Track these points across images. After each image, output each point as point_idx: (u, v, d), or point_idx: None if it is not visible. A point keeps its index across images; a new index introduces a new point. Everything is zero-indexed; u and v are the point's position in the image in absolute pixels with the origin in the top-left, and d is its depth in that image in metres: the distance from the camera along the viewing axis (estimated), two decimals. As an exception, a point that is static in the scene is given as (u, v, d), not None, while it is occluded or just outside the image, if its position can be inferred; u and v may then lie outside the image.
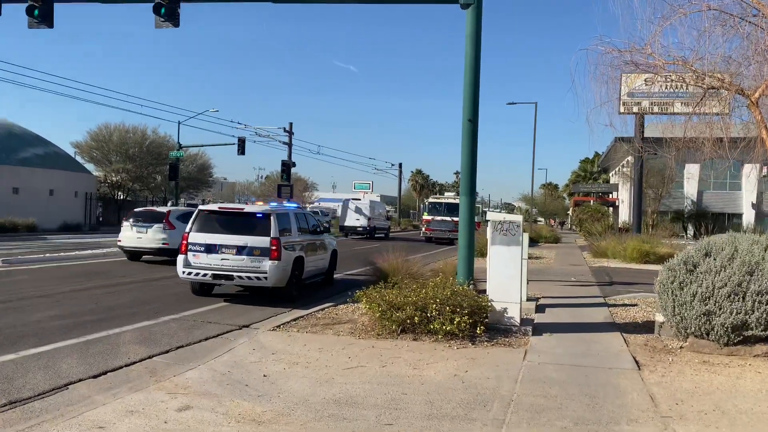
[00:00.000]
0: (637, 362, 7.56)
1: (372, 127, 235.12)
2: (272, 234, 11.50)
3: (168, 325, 9.59)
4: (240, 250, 11.46)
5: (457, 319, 8.30)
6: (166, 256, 18.10)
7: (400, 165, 68.51)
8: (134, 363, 7.29)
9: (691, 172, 44.42)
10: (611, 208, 58.02)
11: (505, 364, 7.30)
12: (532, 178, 46.33)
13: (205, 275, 11.54)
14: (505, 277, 9.03)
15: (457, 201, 41.38)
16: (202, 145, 46.57)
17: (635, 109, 30.14)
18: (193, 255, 11.68)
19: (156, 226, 18.64)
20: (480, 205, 49.05)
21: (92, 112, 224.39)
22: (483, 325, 8.76)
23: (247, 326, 9.80)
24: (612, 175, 65.07)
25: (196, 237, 11.68)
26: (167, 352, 7.93)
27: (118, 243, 19.26)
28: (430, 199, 41.29)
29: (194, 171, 53.38)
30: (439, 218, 36.82)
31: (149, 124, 62.69)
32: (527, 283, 11.91)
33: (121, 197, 49.46)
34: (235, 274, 11.42)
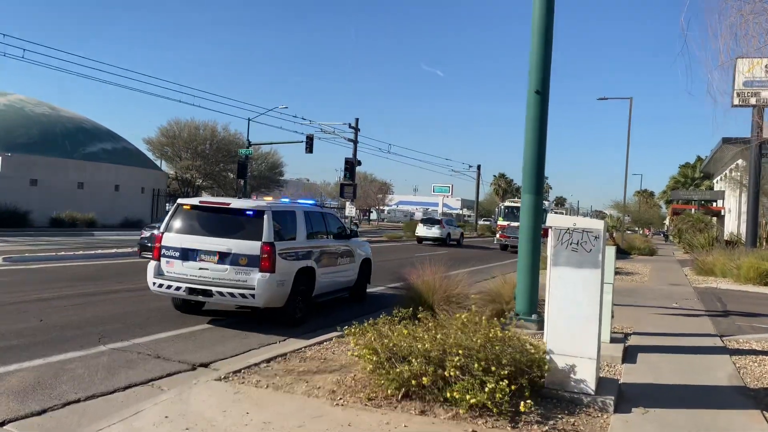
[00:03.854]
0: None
1: (452, 129, 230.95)
2: (264, 237, 8.73)
3: (95, 360, 6.99)
4: (222, 257, 8.77)
5: (490, 384, 5.17)
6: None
7: (479, 167, 64.67)
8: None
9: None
10: (715, 218, 51.79)
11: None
12: (624, 181, 41.69)
13: (178, 288, 8.91)
14: (575, 316, 5.78)
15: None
16: (271, 143, 45.02)
17: (752, 101, 25.36)
18: (167, 262, 9.10)
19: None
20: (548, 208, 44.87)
21: (166, 109, 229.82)
22: (534, 391, 5.60)
23: (205, 365, 7.11)
24: (716, 182, 58.41)
25: (171, 239, 9.10)
26: (40, 413, 5.27)
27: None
28: (505, 203, 37.53)
29: (265, 169, 52.07)
30: (515, 224, 33.10)
31: (219, 121, 61.97)
32: (612, 316, 8.51)
33: (192, 194, 48.81)
34: (214, 288, 8.72)
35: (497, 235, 35.00)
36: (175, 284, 8.90)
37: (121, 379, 6.31)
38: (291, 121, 70.55)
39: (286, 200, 11.36)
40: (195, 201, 9.29)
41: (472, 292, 10.50)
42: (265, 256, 8.64)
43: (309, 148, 39.75)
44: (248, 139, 42.51)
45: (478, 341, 5.53)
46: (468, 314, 6.08)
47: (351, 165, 34.73)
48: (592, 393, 5.73)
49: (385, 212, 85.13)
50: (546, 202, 51.63)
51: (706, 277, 21.33)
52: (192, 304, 9.78)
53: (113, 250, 19.88)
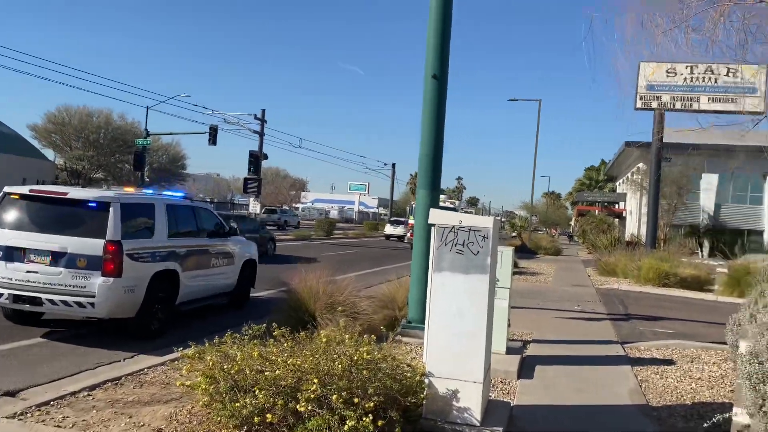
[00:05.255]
0: None
1: (368, 128, 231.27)
2: (109, 234, 7.29)
3: None
4: (57, 258, 7.25)
5: (350, 422, 4.10)
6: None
7: (393, 165, 64.01)
8: None
9: (710, 182, 40.09)
10: (617, 220, 53.70)
11: None
12: (532, 183, 42.02)
13: (0, 296, 7.31)
14: (459, 332, 4.81)
15: (447, 205, 37.27)
16: (171, 133, 42.30)
17: (654, 104, 25.90)
18: (-11, 263, 7.48)
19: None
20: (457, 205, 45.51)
21: (58, 95, 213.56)
22: (409, 423, 4.60)
23: (12, 394, 5.68)
24: (619, 184, 60.76)
25: (-7, 235, 7.49)
26: None
27: None
28: (413, 202, 37.02)
29: (166, 162, 49.13)
30: (425, 223, 32.59)
31: (115, 109, 57.86)
32: (508, 325, 7.69)
33: (83, 187, 45.30)
34: (44, 296, 7.20)
35: (407, 234, 34.39)
36: (-3, 290, 7.31)
37: None
38: (193, 111, 67.25)
39: (178, 194, 9.84)
40: (25, 189, 7.70)
41: (367, 295, 9.47)
42: (109, 257, 7.21)
43: (212, 140, 37.54)
44: (146, 129, 39.72)
45: (340, 366, 4.43)
46: (330, 330, 4.97)
47: (256, 158, 32.98)
48: (478, 424, 4.76)
49: (300, 210, 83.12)
50: (457, 202, 51.71)
51: (608, 278, 21.41)
52: (27, 314, 8.15)
53: None
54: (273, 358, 4.69)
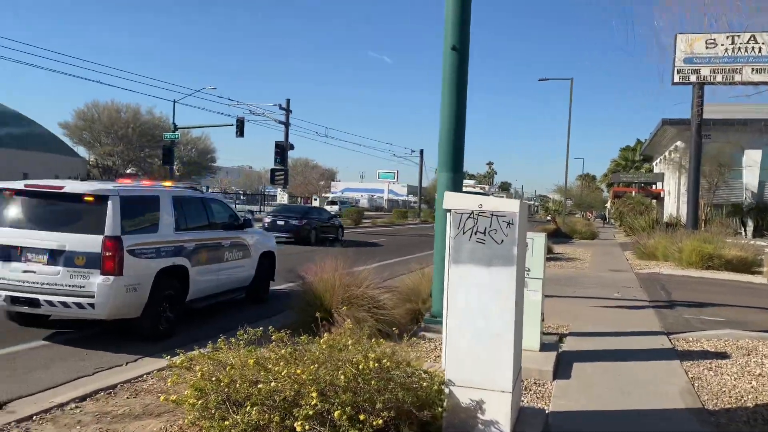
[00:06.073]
0: None
1: (397, 116, 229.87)
2: (108, 230, 6.81)
3: None
4: (54, 256, 6.81)
5: (356, 440, 3.52)
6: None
7: (421, 152, 63.17)
8: None
9: (753, 158, 38.31)
10: (655, 201, 51.99)
11: None
12: (566, 164, 40.71)
13: (-4, 297, 6.92)
14: (482, 333, 4.18)
15: (477, 191, 36.41)
16: (199, 126, 42.15)
17: (693, 78, 24.62)
18: (-15, 263, 7.10)
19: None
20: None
21: (86, 92, 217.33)
22: (427, 440, 4.00)
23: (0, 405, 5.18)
24: (656, 164, 58.84)
25: (-10, 234, 7.09)
26: None
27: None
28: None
29: (195, 156, 49.22)
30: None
31: (143, 104, 58.13)
32: (542, 320, 7.00)
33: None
34: (42, 297, 6.77)
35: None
36: (-7, 292, 6.91)
37: None
38: (218, 103, 67.22)
39: (181, 187, 9.43)
40: (19, 185, 7.27)
41: (389, 287, 8.86)
42: (109, 254, 6.74)
43: (240, 132, 37.31)
44: (174, 123, 39.71)
45: (343, 376, 3.84)
46: (336, 333, 4.38)
47: (282, 148, 32.57)
48: (507, 439, 4.13)
49: (329, 199, 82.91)
50: (487, 187, 50.76)
51: (648, 262, 20.43)
52: (31, 315, 7.76)
53: None
54: (271, 366, 4.12)
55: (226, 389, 3.97)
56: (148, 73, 54.29)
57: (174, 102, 39.06)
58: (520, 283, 4.30)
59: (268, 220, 23.91)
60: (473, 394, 4.16)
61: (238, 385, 3.94)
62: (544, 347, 6.98)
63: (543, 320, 7.07)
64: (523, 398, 5.47)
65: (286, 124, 34.31)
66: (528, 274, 6.53)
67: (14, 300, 6.87)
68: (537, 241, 6.88)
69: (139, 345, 7.29)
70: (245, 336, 4.43)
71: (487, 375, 4.16)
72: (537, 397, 5.64)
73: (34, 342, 7.24)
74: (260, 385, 3.87)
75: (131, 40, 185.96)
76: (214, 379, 4.00)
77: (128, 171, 47.08)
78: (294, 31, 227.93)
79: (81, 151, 44.71)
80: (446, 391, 4.17)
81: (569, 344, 7.76)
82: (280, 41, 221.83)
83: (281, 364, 4.00)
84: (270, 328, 4.57)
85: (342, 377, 3.83)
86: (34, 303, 6.79)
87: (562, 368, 6.52)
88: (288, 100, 34.88)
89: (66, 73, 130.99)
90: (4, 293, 6.86)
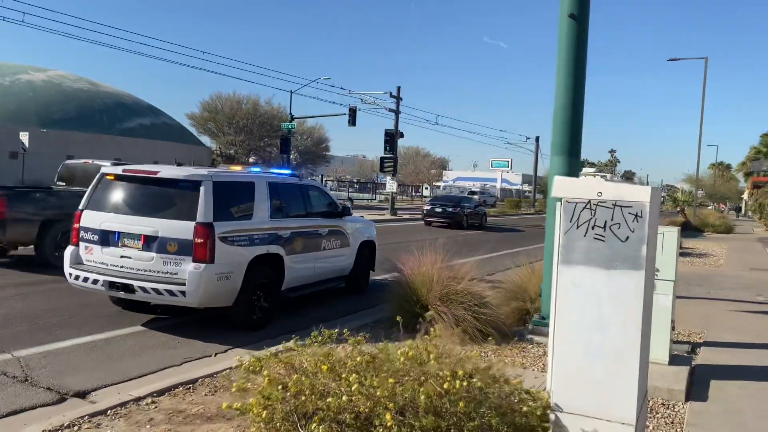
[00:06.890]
0: None
1: (508, 103, 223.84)
2: (199, 216, 6.63)
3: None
4: (148, 242, 6.74)
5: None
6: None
7: (537, 138, 60.61)
8: None
9: None
10: (803, 192, 46.63)
11: None
12: (698, 152, 37.01)
13: (96, 282, 6.95)
14: (599, 351, 3.42)
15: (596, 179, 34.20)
16: (314, 116, 43.15)
17: None
18: (85, 247, 7.17)
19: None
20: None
21: (211, 83, 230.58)
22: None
23: (82, 395, 5.12)
24: (805, 152, 52.81)
25: (90, 218, 7.15)
26: None
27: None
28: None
29: (311, 145, 50.36)
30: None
31: (262, 95, 60.17)
32: (672, 328, 6.01)
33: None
34: (136, 283, 6.71)
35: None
36: (92, 276, 6.96)
37: None
38: (330, 92, 68.32)
39: (285, 172, 9.27)
40: (118, 170, 7.29)
41: (494, 282, 8.16)
42: (200, 240, 6.56)
43: (352, 121, 37.52)
44: (291, 113, 40.71)
45: (423, 396, 3.24)
46: (413, 343, 3.77)
47: (391, 137, 32.30)
48: (628, 483, 3.35)
49: (441, 188, 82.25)
50: (609, 176, 47.77)
51: (797, 261, 18.09)
52: (134, 300, 7.79)
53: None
54: (345, 375, 3.61)
55: (292, 400, 3.50)
56: (265, 64, 56.51)
57: (291, 93, 40.04)
58: (648, 290, 3.49)
59: (427, 207, 28.13)
60: (586, 424, 3.41)
61: (304, 398, 3.46)
62: (674, 360, 6.01)
63: (673, 328, 6.09)
64: (648, 423, 4.62)
65: (396, 112, 33.99)
66: (657, 275, 5.58)
67: (111, 285, 6.88)
68: (668, 236, 5.90)
69: (230, 334, 7.11)
70: (319, 338, 3.95)
71: (604, 401, 3.39)
72: (666, 423, 4.75)
73: (132, 328, 7.24)
74: (329, 399, 3.37)
75: (258, 34, 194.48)
76: (280, 387, 3.54)
77: (250, 160, 49.04)
78: (408, 19, 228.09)
79: (206, 140, 47.10)
80: (552, 417, 3.46)
81: (704, 356, 6.68)
82: (391, 29, 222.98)
83: (353, 376, 3.46)
84: (345, 331, 4.05)
85: (422, 396, 3.23)
86: (129, 289, 6.76)
87: (697, 387, 5.54)
88: (398, 88, 34.54)
89: (194, 66, 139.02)
90: (102, 278, 6.89)
